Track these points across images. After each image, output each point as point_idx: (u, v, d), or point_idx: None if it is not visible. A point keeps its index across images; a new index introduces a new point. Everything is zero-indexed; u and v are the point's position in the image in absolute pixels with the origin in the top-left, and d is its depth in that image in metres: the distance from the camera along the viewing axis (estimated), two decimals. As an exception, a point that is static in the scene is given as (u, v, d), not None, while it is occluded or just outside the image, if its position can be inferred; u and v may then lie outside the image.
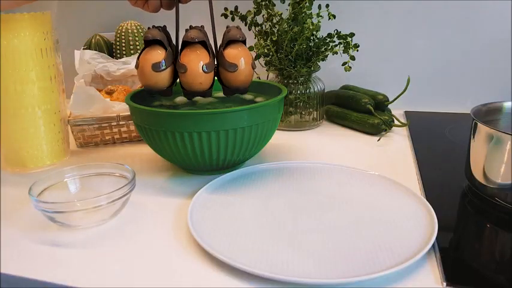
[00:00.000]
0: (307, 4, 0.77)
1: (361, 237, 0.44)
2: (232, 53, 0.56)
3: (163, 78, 0.56)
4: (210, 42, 0.58)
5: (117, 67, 0.92)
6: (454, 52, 0.89)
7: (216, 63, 0.58)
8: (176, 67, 0.56)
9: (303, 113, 0.83)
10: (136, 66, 0.56)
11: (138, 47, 0.99)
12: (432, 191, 0.55)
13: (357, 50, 0.77)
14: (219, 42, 0.60)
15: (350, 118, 0.82)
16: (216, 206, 0.51)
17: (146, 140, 0.60)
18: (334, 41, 0.78)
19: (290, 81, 0.82)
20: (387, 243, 0.43)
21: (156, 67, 0.54)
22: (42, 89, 0.63)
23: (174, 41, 0.59)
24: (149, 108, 0.56)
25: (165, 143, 0.56)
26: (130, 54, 0.98)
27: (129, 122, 0.75)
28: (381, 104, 0.83)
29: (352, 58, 0.77)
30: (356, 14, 0.91)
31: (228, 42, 0.57)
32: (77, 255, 0.44)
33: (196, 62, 0.54)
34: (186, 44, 0.56)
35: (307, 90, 0.81)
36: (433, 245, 0.43)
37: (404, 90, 0.78)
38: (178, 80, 0.58)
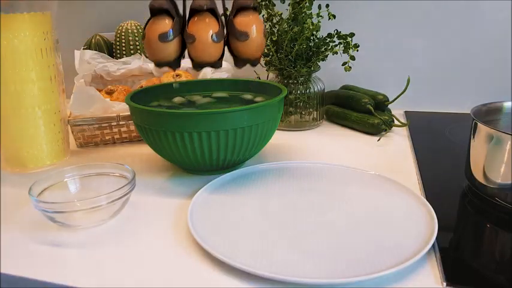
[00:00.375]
0: (307, 4, 0.77)
1: (361, 237, 0.44)
2: (243, 21, 0.54)
3: (170, 49, 0.54)
4: (219, 10, 0.56)
5: (117, 67, 0.92)
6: (454, 52, 0.89)
7: (225, 32, 0.56)
8: (184, 37, 0.54)
9: (303, 113, 0.83)
10: (143, 37, 0.54)
11: (138, 47, 0.99)
12: (432, 191, 0.55)
13: (357, 50, 0.77)
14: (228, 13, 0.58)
15: (350, 118, 0.82)
16: (216, 206, 0.51)
17: (146, 140, 0.60)
18: (334, 41, 0.78)
19: (290, 81, 0.82)
20: (387, 243, 0.43)
21: (163, 37, 0.52)
22: (42, 89, 0.63)
23: (181, 10, 0.57)
24: (149, 108, 0.56)
25: (165, 143, 0.56)
26: (130, 54, 0.98)
27: (129, 122, 0.75)
28: (380, 104, 0.83)
29: (352, 58, 0.77)
30: (356, 14, 0.91)
31: (239, 9, 0.54)
32: (77, 255, 0.44)
33: (205, 31, 0.52)
34: (194, 12, 0.53)
35: (307, 90, 0.81)
36: (433, 245, 0.43)
37: (404, 90, 0.78)
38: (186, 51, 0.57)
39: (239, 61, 0.57)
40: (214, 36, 0.52)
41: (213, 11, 0.54)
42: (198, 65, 0.55)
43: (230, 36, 0.55)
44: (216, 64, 0.55)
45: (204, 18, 0.53)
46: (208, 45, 0.53)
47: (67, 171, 0.54)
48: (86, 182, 0.54)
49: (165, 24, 0.53)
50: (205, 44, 0.53)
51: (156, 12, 0.53)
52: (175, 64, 0.56)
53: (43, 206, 0.46)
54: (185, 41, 0.54)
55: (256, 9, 0.56)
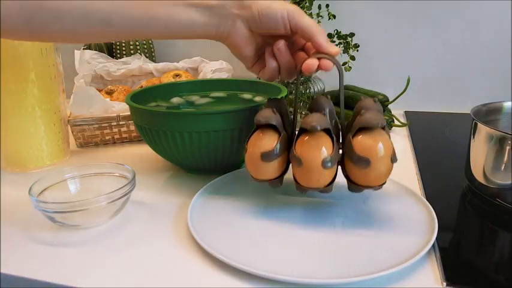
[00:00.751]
0: (307, 4, 0.77)
1: (361, 237, 0.44)
2: (366, 143, 0.43)
3: (273, 167, 0.47)
4: (337, 118, 0.50)
5: (117, 67, 0.92)
6: (454, 52, 0.89)
7: (341, 151, 0.46)
8: (290, 157, 0.46)
9: (303, 113, 0.83)
10: (245, 151, 0.48)
11: (138, 47, 0.99)
12: (432, 191, 0.55)
13: (357, 50, 0.77)
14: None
15: (350, 118, 0.82)
16: (216, 206, 0.51)
17: (146, 140, 0.60)
18: (334, 41, 0.78)
19: (290, 81, 0.82)
20: (387, 243, 0.43)
21: (266, 157, 0.45)
22: (42, 89, 0.63)
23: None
24: (149, 108, 0.56)
25: (165, 143, 0.56)
26: (131, 54, 0.99)
27: (129, 122, 0.75)
28: (380, 104, 0.82)
29: (352, 58, 0.77)
30: (356, 14, 0.91)
31: (361, 127, 0.44)
32: (77, 255, 0.44)
33: (316, 155, 0.43)
34: (305, 129, 0.45)
35: (307, 90, 0.81)
36: (433, 245, 0.43)
37: (404, 90, 0.78)
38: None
39: (355, 187, 0.45)
40: (326, 162, 0.43)
41: (328, 130, 0.45)
42: (302, 189, 0.45)
43: (346, 157, 0.45)
44: (325, 190, 0.45)
45: (316, 138, 0.44)
46: (317, 171, 0.43)
47: (67, 171, 0.54)
48: (86, 182, 0.54)
49: (270, 141, 0.46)
50: (315, 170, 0.43)
51: (262, 125, 0.47)
52: (277, 183, 0.48)
53: (43, 206, 0.46)
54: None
55: (385, 128, 0.45)
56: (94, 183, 0.54)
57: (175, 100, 0.68)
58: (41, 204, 0.46)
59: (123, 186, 0.48)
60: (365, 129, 0.44)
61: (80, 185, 0.54)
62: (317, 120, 0.44)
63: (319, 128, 0.43)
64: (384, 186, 0.49)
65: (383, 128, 0.44)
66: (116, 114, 0.74)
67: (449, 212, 0.51)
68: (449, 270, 0.39)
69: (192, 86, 0.73)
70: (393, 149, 0.44)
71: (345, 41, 0.77)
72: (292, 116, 0.51)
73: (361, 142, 0.43)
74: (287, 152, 0.47)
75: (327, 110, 0.50)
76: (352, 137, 0.44)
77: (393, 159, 0.44)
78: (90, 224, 0.49)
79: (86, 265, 0.42)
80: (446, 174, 0.62)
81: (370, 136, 0.43)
